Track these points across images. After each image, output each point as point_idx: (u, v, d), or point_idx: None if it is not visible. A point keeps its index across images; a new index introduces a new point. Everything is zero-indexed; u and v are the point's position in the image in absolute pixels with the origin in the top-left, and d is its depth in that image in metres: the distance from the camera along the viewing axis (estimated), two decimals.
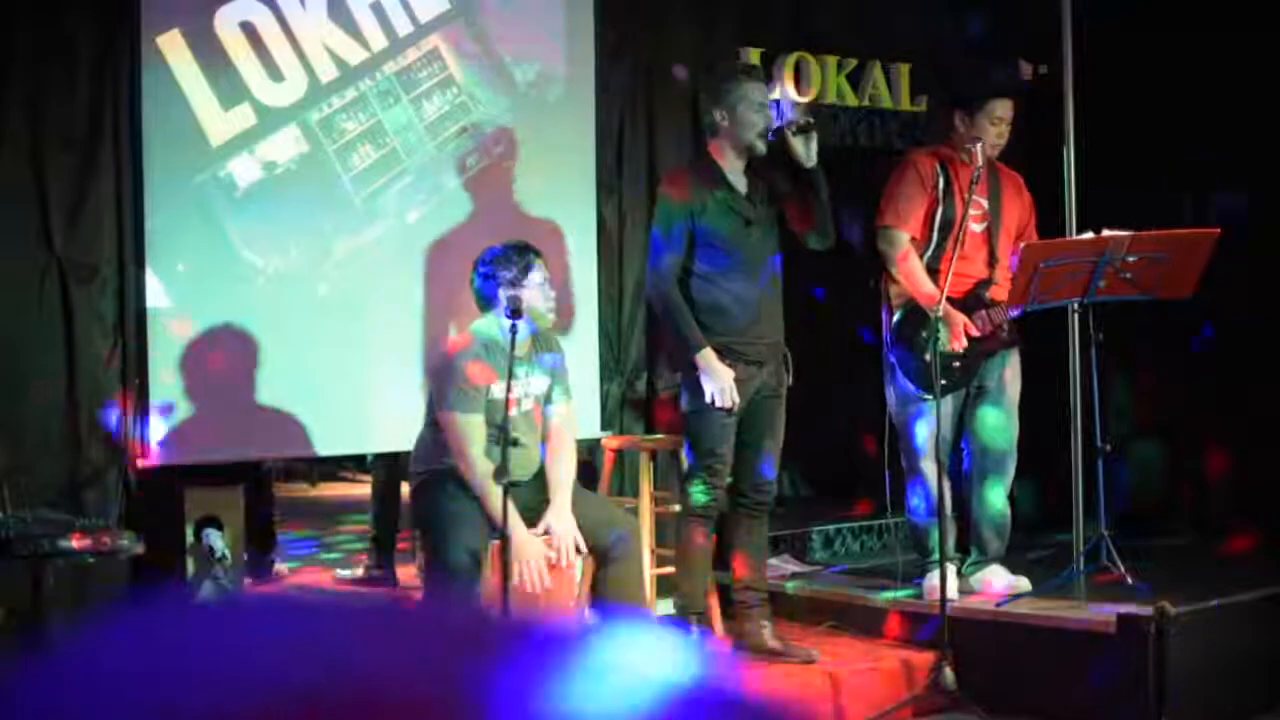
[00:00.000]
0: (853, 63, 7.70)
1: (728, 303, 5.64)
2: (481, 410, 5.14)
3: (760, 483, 5.82)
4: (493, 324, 5.27)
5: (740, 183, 5.71)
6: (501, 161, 6.62)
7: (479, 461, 5.07)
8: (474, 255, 5.43)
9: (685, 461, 5.84)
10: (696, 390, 5.64)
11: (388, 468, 7.13)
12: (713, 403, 5.59)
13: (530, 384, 5.30)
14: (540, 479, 5.36)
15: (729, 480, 5.75)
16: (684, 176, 5.87)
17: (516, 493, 4.83)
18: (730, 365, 5.60)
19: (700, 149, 6.14)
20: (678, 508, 5.97)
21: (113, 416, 5.75)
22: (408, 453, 5.62)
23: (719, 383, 5.58)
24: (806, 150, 5.58)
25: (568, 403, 5.48)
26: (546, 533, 5.22)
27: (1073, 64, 6.44)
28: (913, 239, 6.06)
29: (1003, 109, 6.03)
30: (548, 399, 5.41)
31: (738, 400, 5.60)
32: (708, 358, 5.58)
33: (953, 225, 6.04)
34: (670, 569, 6.00)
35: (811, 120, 5.68)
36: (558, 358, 5.45)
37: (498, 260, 5.25)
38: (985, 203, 6.04)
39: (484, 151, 6.57)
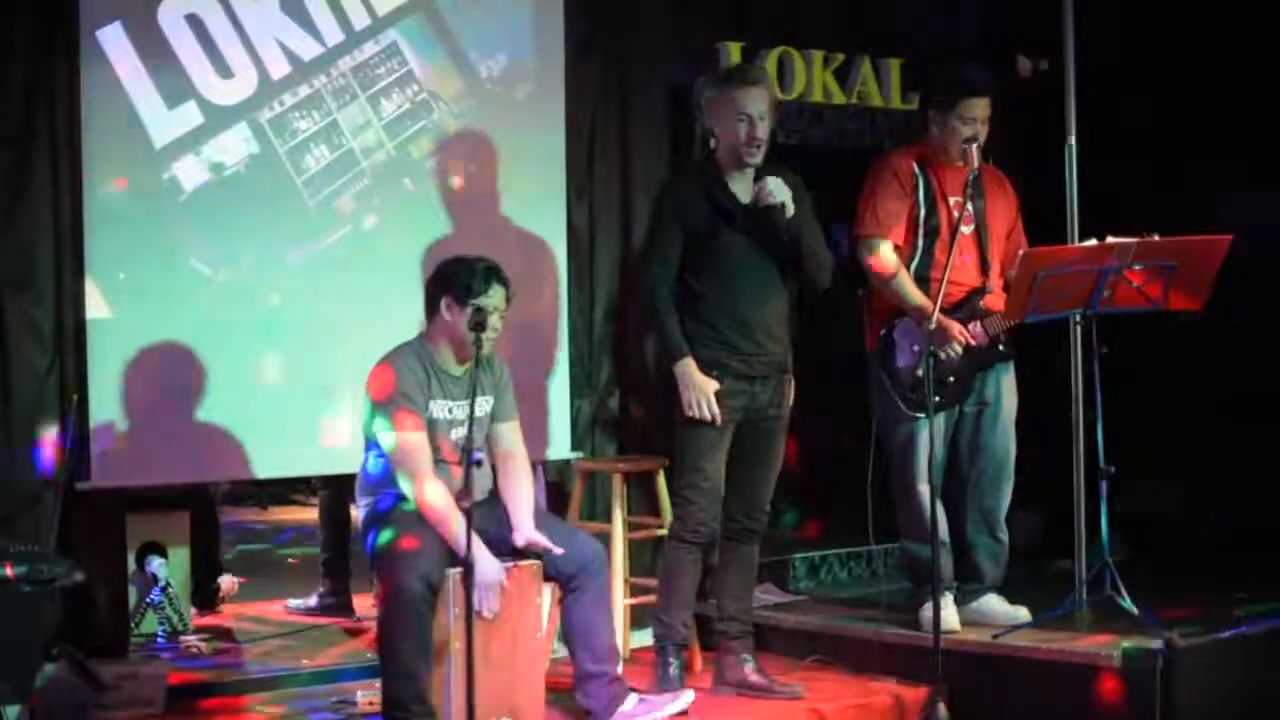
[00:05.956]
0: (840, 58, 7.69)
1: (712, 312, 5.64)
2: (426, 432, 5.18)
3: (751, 509, 5.81)
4: (428, 341, 5.30)
5: (740, 187, 5.70)
6: (465, 163, 6.62)
7: (432, 485, 5.10)
8: (436, 263, 5.45)
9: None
10: (679, 402, 5.65)
11: (333, 491, 7.11)
12: (693, 415, 5.60)
13: (476, 403, 5.31)
14: (492, 500, 5.38)
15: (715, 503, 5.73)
16: (682, 175, 5.91)
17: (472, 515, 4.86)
18: (715, 378, 5.61)
19: (681, 149, 6.14)
20: (660, 532, 5.97)
21: (50, 435, 5.74)
22: (354, 475, 5.60)
23: (696, 394, 5.59)
24: (781, 217, 5.58)
25: (516, 420, 5.50)
26: (525, 548, 5.25)
27: (1075, 60, 6.46)
28: (896, 247, 6.07)
29: (974, 108, 6.04)
30: (494, 417, 5.43)
31: (718, 414, 5.60)
32: (686, 367, 5.60)
33: (939, 230, 6.05)
34: (646, 598, 5.99)
35: (774, 203, 5.56)
36: (501, 375, 5.47)
37: (459, 269, 5.27)
38: (971, 205, 6.05)
39: (446, 153, 6.57)
